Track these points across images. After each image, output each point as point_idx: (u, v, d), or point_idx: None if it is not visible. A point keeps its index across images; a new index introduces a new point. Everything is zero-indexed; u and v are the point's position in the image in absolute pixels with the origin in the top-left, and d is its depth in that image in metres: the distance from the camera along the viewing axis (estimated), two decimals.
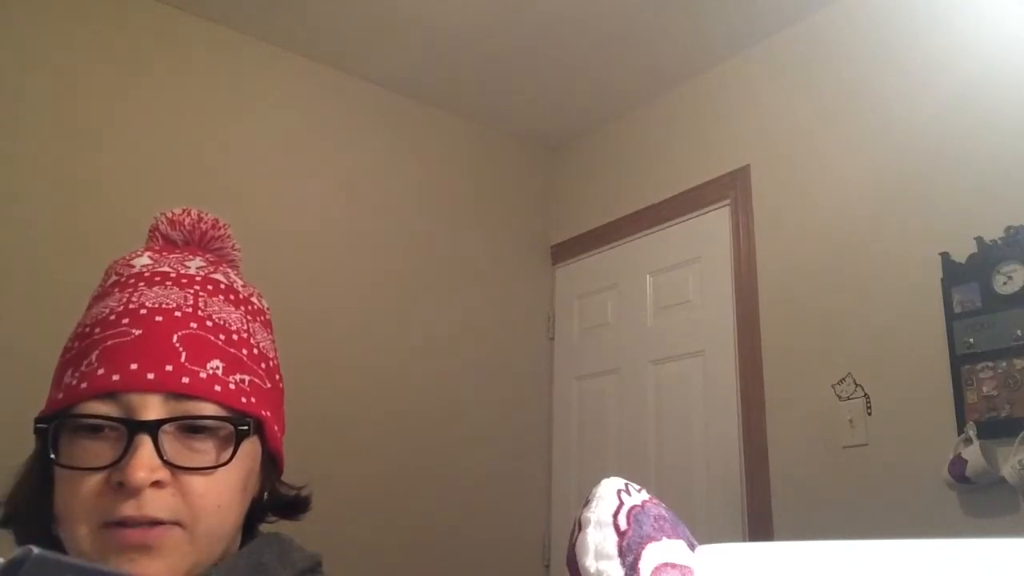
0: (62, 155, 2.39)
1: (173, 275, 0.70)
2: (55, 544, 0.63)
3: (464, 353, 3.09)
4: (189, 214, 0.76)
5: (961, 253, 2.09)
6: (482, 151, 3.38)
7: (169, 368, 0.62)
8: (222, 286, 0.72)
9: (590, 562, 0.42)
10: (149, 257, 0.72)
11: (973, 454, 1.91)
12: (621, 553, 0.41)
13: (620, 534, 0.42)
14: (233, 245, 0.78)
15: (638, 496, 0.45)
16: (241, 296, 0.73)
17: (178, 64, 2.66)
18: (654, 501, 0.45)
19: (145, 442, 0.60)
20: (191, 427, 0.63)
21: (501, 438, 3.10)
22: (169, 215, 0.76)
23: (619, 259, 3.17)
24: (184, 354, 0.63)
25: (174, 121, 2.61)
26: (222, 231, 0.77)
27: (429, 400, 2.94)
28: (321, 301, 2.75)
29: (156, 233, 0.76)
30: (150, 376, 0.62)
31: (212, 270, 0.73)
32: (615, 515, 0.43)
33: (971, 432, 1.95)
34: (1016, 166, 2.05)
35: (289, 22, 2.75)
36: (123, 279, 0.70)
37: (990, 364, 1.98)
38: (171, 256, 0.73)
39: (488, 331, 3.19)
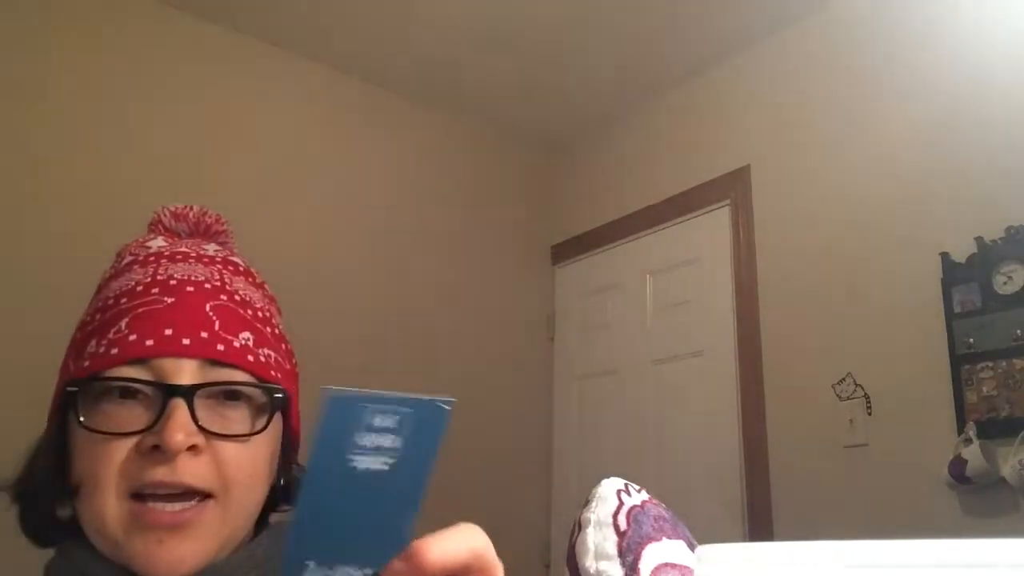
0: (61, 155, 2.39)
1: (194, 255, 0.69)
2: (63, 525, 0.62)
3: (464, 353, 3.09)
4: (192, 208, 0.76)
5: (961, 253, 2.09)
6: (482, 151, 3.38)
7: (204, 335, 0.62)
8: (241, 268, 0.72)
9: (590, 562, 0.42)
10: (164, 240, 0.72)
11: (973, 454, 1.91)
12: (621, 553, 0.41)
13: (620, 534, 0.42)
14: (234, 243, 0.79)
15: (638, 496, 0.45)
16: (258, 280, 0.73)
17: (178, 64, 2.66)
18: (654, 501, 0.45)
19: (181, 406, 0.58)
20: (225, 394, 0.62)
21: (501, 438, 3.10)
22: (172, 208, 0.76)
23: (619, 259, 3.16)
24: (218, 323, 0.63)
25: (173, 121, 2.61)
26: (225, 227, 0.77)
27: None
28: (320, 301, 2.75)
29: (159, 226, 0.75)
30: (186, 342, 0.61)
31: (229, 253, 0.73)
32: (615, 515, 0.43)
33: (971, 432, 1.94)
34: (1016, 166, 2.04)
35: (289, 22, 2.75)
36: (140, 258, 0.69)
37: (990, 364, 1.98)
38: (188, 241, 0.73)
39: (488, 331, 3.18)
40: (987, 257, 2.03)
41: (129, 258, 0.70)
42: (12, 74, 2.35)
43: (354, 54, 2.93)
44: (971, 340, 2.02)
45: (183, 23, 2.69)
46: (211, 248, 0.72)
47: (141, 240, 0.72)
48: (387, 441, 0.38)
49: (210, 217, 0.76)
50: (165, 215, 0.75)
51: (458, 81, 3.09)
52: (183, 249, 0.70)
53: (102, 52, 2.52)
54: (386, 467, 0.38)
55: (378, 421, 0.37)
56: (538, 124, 3.39)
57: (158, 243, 0.71)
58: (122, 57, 2.56)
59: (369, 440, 0.37)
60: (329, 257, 2.84)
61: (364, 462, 0.37)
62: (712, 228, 2.80)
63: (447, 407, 0.39)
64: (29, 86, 2.37)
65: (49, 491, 0.62)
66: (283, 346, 0.70)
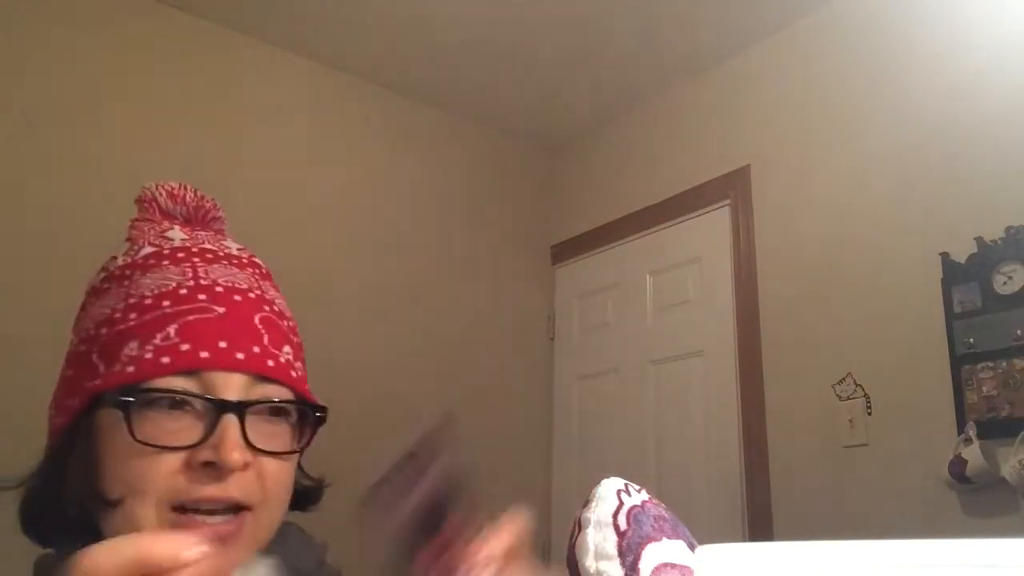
0: (61, 154, 2.38)
1: (223, 254, 0.67)
2: (65, 526, 0.60)
3: (464, 353, 3.09)
4: (186, 189, 0.72)
5: (961, 253, 2.09)
6: (482, 151, 3.38)
7: (256, 350, 0.61)
8: (263, 270, 0.70)
9: (590, 562, 0.42)
10: (181, 231, 0.69)
11: (973, 454, 1.91)
12: (621, 553, 0.41)
13: (620, 534, 0.42)
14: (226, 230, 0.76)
15: (638, 496, 0.45)
16: (274, 282, 0.72)
17: (179, 65, 2.66)
18: (654, 501, 0.45)
19: (234, 423, 0.58)
20: (270, 410, 0.62)
21: (501, 438, 3.10)
22: (167, 188, 0.71)
23: (619, 259, 3.16)
24: (266, 337, 0.63)
25: (174, 122, 2.61)
26: (221, 213, 0.75)
27: (429, 400, 2.94)
28: (321, 301, 2.75)
29: (152, 204, 0.71)
30: (239, 356, 0.60)
31: (250, 254, 0.71)
32: (615, 515, 0.43)
33: (971, 432, 1.94)
34: (1016, 166, 2.04)
35: (289, 23, 2.75)
36: (166, 252, 0.66)
37: (990, 364, 1.98)
38: (201, 233, 0.70)
39: (488, 331, 3.18)
40: (987, 257, 2.03)
41: (149, 248, 0.66)
42: (11, 73, 2.35)
43: (354, 54, 2.93)
44: (971, 340, 2.02)
45: (183, 23, 2.68)
46: (233, 246, 0.70)
47: (157, 229, 0.69)
48: None
49: (208, 202, 0.73)
50: (160, 194, 0.71)
51: (458, 81, 3.09)
52: (208, 246, 0.67)
53: (101, 51, 2.52)
54: None
55: None
56: (538, 124, 3.39)
57: (178, 235, 0.68)
58: (122, 57, 2.55)
59: None
60: (328, 256, 2.84)
61: None
62: (712, 228, 2.80)
63: None
64: (29, 88, 2.37)
65: (78, 495, 0.60)
66: (303, 353, 0.69)
